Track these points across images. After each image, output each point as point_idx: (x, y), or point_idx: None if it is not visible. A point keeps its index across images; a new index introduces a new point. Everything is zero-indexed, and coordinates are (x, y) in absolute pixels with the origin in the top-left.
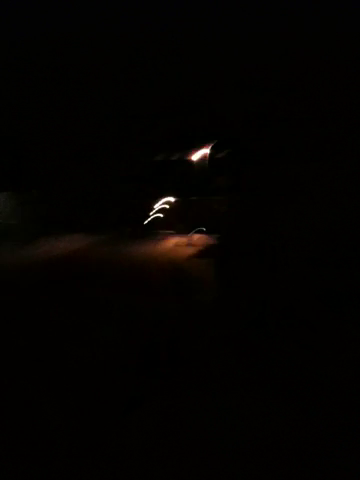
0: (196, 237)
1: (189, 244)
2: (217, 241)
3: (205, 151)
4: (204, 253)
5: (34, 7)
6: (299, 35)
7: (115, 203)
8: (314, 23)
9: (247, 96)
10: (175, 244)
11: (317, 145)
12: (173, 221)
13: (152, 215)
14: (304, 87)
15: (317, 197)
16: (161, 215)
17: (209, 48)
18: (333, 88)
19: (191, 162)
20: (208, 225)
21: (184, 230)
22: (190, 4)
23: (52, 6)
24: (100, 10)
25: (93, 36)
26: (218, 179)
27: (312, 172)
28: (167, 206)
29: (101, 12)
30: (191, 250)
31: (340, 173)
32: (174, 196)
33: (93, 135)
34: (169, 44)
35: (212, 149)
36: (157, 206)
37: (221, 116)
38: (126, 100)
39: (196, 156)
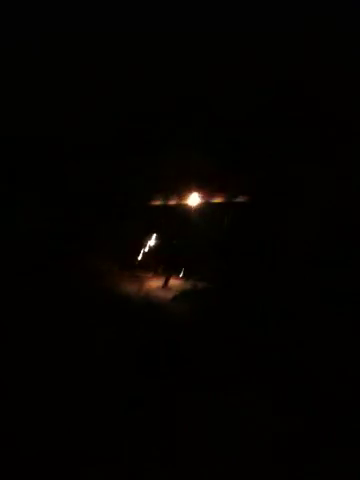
0: (173, 281)
1: (166, 288)
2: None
3: (197, 198)
4: (180, 298)
5: (33, 6)
6: (299, 35)
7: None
8: (314, 23)
9: (247, 96)
10: (154, 286)
11: (318, 145)
12: (152, 262)
13: (141, 254)
14: (304, 87)
15: (317, 197)
16: (140, 256)
17: (209, 47)
18: (334, 88)
19: (187, 207)
20: (187, 268)
21: (162, 273)
22: (190, 3)
23: (52, 5)
24: (99, 8)
25: (92, 35)
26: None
27: (312, 172)
28: (148, 247)
29: (100, 10)
30: (168, 293)
31: (341, 173)
32: (157, 237)
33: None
34: (169, 43)
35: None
36: (147, 245)
37: (221, 116)
38: (125, 100)
39: (192, 201)
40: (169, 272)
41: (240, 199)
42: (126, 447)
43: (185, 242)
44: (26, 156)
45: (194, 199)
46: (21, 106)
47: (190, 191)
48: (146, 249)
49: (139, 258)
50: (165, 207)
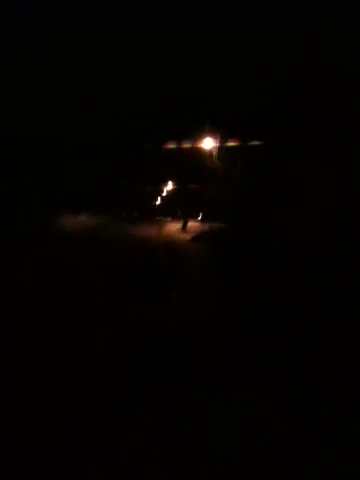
0: (191, 224)
1: (184, 230)
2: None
3: (212, 142)
4: (197, 238)
5: (33, 6)
6: (299, 35)
7: (118, 189)
8: (314, 23)
9: (247, 96)
10: (173, 229)
11: (318, 145)
12: (171, 208)
13: (158, 201)
14: (304, 87)
15: (317, 197)
16: (159, 202)
17: (209, 47)
18: (334, 88)
19: (198, 150)
20: (204, 213)
21: (181, 217)
22: (190, 3)
23: (52, 5)
24: (99, 8)
25: (92, 35)
26: (219, 171)
27: (312, 172)
28: (165, 193)
29: (100, 10)
30: (187, 235)
31: (340, 173)
32: (174, 183)
33: (94, 133)
34: (169, 43)
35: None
36: (162, 193)
37: (221, 116)
38: (126, 100)
39: (205, 144)
40: (187, 216)
41: (254, 143)
42: (126, 447)
43: (201, 186)
44: (26, 156)
45: (208, 142)
46: (21, 106)
47: (205, 135)
48: (164, 194)
49: (158, 203)
50: (180, 151)
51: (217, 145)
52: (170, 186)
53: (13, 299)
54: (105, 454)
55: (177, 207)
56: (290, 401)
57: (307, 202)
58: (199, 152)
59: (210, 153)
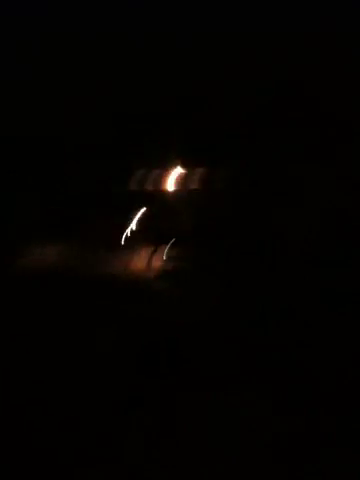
0: (155, 261)
1: (149, 267)
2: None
3: (181, 171)
4: (162, 277)
5: (33, 6)
6: (299, 35)
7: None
8: (314, 23)
9: (246, 96)
10: (138, 266)
11: (318, 145)
12: (145, 233)
13: (129, 226)
14: (304, 87)
15: (317, 197)
16: (134, 227)
17: (209, 47)
18: (334, 88)
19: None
20: (178, 237)
21: (154, 242)
22: (190, 3)
23: (52, 5)
24: (100, 8)
25: (92, 35)
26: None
27: (312, 172)
28: (138, 218)
29: (100, 10)
30: (151, 273)
31: (340, 173)
32: (141, 219)
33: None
34: (169, 43)
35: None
36: (135, 218)
37: (220, 115)
38: (125, 100)
39: (173, 179)
40: (152, 253)
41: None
42: (126, 447)
43: (169, 225)
44: (26, 156)
45: (176, 183)
46: (21, 106)
47: (172, 174)
48: (132, 228)
49: (123, 239)
50: (148, 192)
51: (182, 186)
52: (136, 223)
53: (13, 300)
54: (105, 454)
55: (143, 244)
56: (290, 401)
57: (307, 202)
58: (165, 192)
59: (177, 196)
